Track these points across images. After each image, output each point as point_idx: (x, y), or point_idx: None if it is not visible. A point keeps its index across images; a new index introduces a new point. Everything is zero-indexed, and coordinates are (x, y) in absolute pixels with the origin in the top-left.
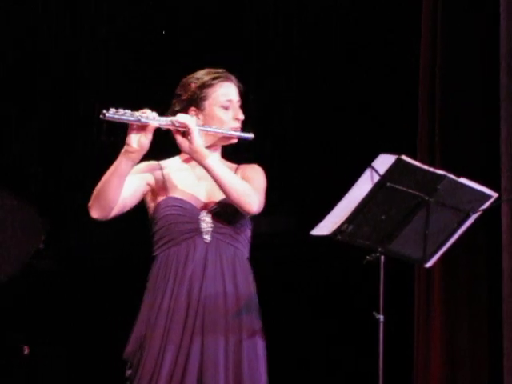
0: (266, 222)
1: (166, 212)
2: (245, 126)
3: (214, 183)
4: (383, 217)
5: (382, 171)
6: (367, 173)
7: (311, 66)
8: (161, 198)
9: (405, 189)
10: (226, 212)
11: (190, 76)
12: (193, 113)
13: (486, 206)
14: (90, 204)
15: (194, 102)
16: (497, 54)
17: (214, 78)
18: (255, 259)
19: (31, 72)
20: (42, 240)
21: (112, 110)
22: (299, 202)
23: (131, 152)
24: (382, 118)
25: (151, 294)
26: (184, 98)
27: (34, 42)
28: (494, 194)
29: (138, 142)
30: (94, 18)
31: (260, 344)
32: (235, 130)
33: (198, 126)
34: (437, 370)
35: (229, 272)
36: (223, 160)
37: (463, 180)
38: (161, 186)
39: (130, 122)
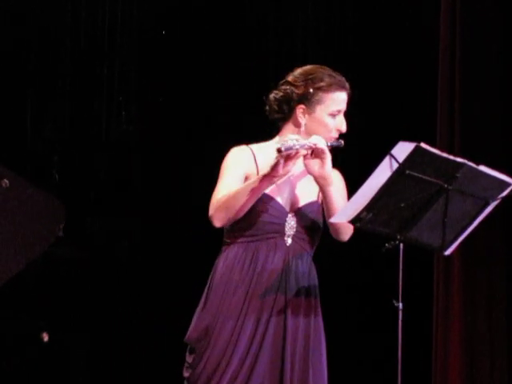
0: None
1: (255, 207)
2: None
3: (302, 183)
4: (402, 204)
5: (400, 159)
6: (386, 160)
7: (329, 52)
8: None
9: (424, 176)
10: (310, 218)
11: (308, 70)
12: (300, 110)
13: (505, 193)
14: (213, 214)
15: (306, 100)
16: None
17: (333, 84)
18: None
19: (51, 58)
20: (61, 228)
21: (286, 145)
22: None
23: (275, 177)
24: (401, 106)
25: (224, 285)
26: (296, 91)
27: (55, 27)
28: None
29: (285, 168)
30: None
31: (324, 342)
32: (332, 139)
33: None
34: (456, 357)
35: (304, 276)
36: None
37: (482, 168)
38: (253, 177)
39: (297, 151)
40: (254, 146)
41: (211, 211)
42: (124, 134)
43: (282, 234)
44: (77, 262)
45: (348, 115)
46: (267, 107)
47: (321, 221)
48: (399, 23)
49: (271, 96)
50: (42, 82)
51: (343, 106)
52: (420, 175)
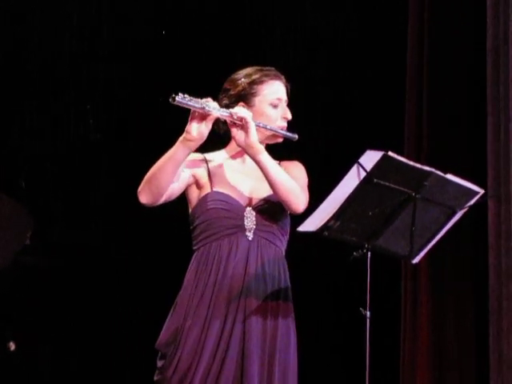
0: None
1: (210, 206)
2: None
3: (258, 180)
4: (370, 213)
5: (368, 167)
6: (354, 169)
7: (300, 64)
8: (205, 192)
9: (391, 185)
10: (270, 210)
11: (239, 72)
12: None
13: (472, 202)
14: (140, 189)
15: (244, 97)
16: (483, 50)
17: (265, 76)
18: None
19: (21, 68)
20: (29, 236)
21: (181, 95)
22: None
23: (190, 140)
24: (369, 114)
25: (190, 288)
26: (233, 92)
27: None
28: (481, 191)
29: (198, 130)
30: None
31: (293, 344)
32: (282, 129)
33: (254, 121)
34: (423, 365)
35: (270, 271)
36: None
37: (450, 176)
38: (205, 180)
39: (195, 109)
40: (207, 154)
41: (139, 187)
42: (92, 141)
43: (243, 228)
44: (44, 270)
45: (315, 123)
46: (216, 122)
47: (284, 211)
48: (367, 23)
49: None
50: (9, 88)
51: (281, 95)
52: (388, 184)
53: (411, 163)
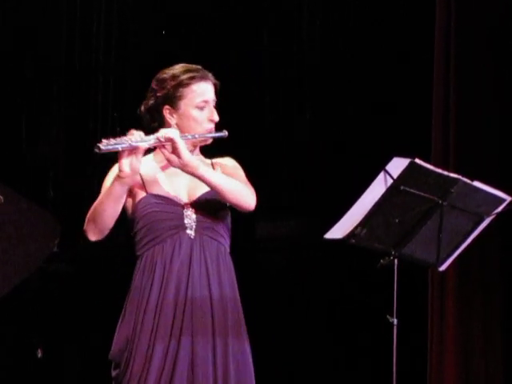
0: (283, 225)
1: (148, 210)
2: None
3: (192, 178)
4: (397, 220)
5: (395, 174)
6: (381, 176)
7: (324, 68)
8: (140, 197)
9: (418, 192)
10: (208, 206)
11: (166, 71)
12: (167, 111)
13: (499, 209)
14: (86, 228)
15: (169, 100)
16: (511, 54)
17: (191, 78)
18: (267, 262)
19: (46, 74)
20: (56, 243)
21: (104, 142)
22: (313, 205)
23: (125, 177)
24: (396, 121)
25: (137, 294)
26: (159, 94)
27: (50, 43)
28: (508, 198)
29: (131, 166)
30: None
31: (247, 346)
32: (210, 131)
33: (182, 135)
34: (451, 372)
35: (213, 270)
36: (201, 157)
37: (477, 183)
38: (139, 185)
39: (123, 149)
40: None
41: (84, 226)
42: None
43: (183, 228)
44: (71, 277)
45: (342, 129)
46: (143, 121)
47: (223, 207)
48: (394, 29)
49: (142, 108)
50: (37, 97)
51: (209, 97)
52: (414, 191)
53: (438, 170)
